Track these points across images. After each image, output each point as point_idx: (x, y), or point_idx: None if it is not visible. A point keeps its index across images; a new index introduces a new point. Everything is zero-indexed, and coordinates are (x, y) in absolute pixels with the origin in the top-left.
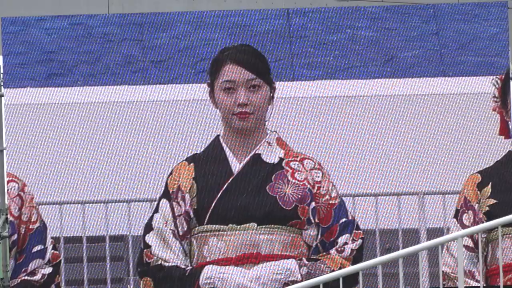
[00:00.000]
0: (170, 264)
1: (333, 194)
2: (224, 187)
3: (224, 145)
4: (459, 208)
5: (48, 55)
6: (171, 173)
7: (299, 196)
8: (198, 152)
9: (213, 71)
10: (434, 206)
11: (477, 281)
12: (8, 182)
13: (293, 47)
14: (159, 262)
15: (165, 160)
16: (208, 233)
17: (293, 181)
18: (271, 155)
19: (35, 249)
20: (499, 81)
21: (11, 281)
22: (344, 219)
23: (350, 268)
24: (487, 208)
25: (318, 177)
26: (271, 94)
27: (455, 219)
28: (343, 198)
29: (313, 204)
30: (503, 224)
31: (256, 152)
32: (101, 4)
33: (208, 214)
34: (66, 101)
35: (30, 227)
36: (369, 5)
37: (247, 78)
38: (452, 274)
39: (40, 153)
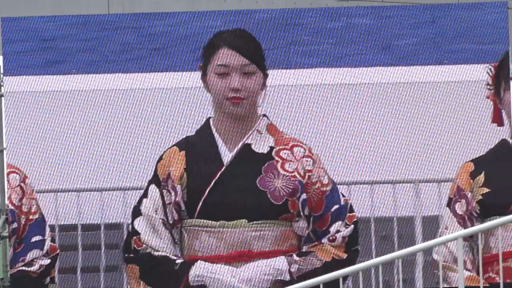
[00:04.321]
0: (160, 253)
1: (325, 181)
2: (214, 179)
3: (214, 131)
4: (452, 197)
5: (45, 42)
6: (161, 159)
7: (290, 190)
8: (189, 135)
9: (207, 54)
10: (430, 194)
11: (469, 270)
12: (9, 173)
13: (289, 35)
14: (149, 251)
15: (162, 148)
16: (199, 228)
17: (284, 173)
18: (262, 144)
19: (34, 239)
20: (492, 69)
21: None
22: (336, 206)
23: (350, 268)
24: (480, 197)
25: (309, 165)
26: (264, 81)
27: (448, 208)
28: (338, 186)
29: (303, 196)
30: (502, 224)
31: (246, 142)
32: (101, 4)
33: (198, 208)
34: (63, 88)
35: (30, 217)
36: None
37: (241, 63)
38: (443, 263)
39: (35, 140)
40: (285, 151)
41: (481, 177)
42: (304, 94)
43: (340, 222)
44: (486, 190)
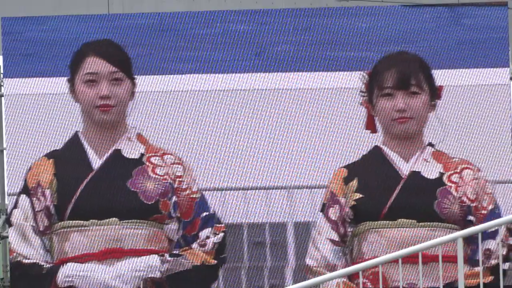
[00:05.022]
0: (29, 261)
1: (194, 189)
2: (84, 183)
3: (83, 141)
4: (325, 202)
5: None
6: (30, 169)
7: (161, 191)
8: (57, 148)
9: (74, 64)
10: (302, 200)
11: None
12: None
13: (163, 40)
14: (19, 259)
15: (33, 153)
16: (70, 229)
17: (154, 176)
18: (132, 150)
19: None
20: (366, 76)
21: None
22: (205, 213)
23: (350, 268)
24: (353, 202)
25: (179, 171)
26: (133, 90)
27: (321, 213)
28: (212, 192)
29: (174, 198)
30: (506, 223)
31: (117, 147)
32: (101, 4)
33: (69, 210)
34: None
35: None
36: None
37: (109, 70)
38: (315, 268)
39: None
40: (155, 157)
41: (354, 183)
42: (176, 101)
43: (209, 229)
44: (359, 195)
